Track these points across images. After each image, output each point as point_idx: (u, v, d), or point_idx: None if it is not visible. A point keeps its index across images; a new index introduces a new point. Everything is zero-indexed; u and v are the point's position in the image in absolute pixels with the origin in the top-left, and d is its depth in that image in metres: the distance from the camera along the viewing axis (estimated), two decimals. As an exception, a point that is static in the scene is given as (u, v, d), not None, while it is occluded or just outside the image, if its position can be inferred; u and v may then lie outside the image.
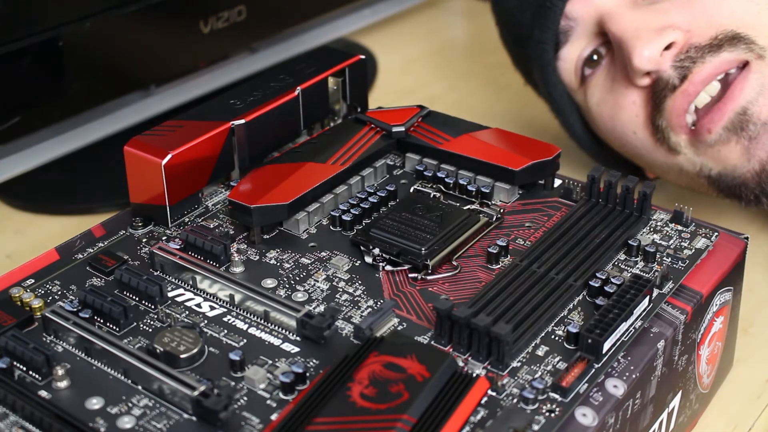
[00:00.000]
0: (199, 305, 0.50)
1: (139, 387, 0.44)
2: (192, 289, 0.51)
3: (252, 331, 0.48)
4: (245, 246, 0.54)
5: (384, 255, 0.52)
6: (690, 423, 0.55)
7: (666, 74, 0.62)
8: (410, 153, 0.60)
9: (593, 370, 0.45)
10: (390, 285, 0.51)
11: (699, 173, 0.64)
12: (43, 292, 0.50)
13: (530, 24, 0.68)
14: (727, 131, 0.61)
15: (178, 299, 0.50)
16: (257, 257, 0.53)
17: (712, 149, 0.62)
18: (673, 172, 0.67)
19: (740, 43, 0.61)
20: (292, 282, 0.51)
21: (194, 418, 0.43)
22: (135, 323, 0.48)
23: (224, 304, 0.49)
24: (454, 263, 0.52)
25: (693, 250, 0.52)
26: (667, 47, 0.62)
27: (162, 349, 0.45)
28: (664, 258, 0.52)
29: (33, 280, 0.51)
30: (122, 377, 0.45)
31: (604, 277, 0.49)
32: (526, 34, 0.70)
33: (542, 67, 0.69)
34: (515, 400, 0.43)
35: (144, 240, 0.54)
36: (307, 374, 0.45)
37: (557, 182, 0.58)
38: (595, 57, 0.67)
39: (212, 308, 0.49)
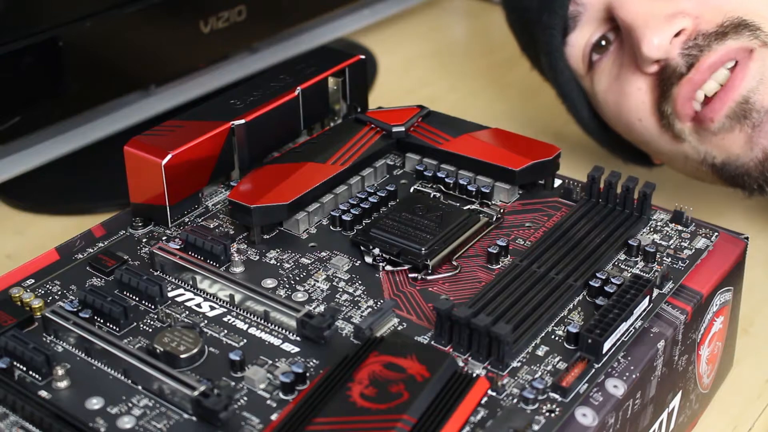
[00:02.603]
0: (199, 305, 0.50)
1: (139, 387, 0.44)
2: (192, 289, 0.51)
3: (252, 331, 0.48)
4: (245, 246, 0.54)
5: (384, 255, 0.52)
6: (690, 423, 0.55)
7: (674, 62, 0.62)
8: (410, 153, 0.60)
9: (593, 370, 0.45)
10: (390, 285, 0.51)
11: (703, 162, 0.64)
12: (43, 292, 0.50)
13: (538, 9, 0.68)
14: (729, 120, 0.61)
15: (178, 299, 0.50)
16: (257, 257, 0.53)
17: (715, 137, 0.62)
18: (677, 160, 0.67)
19: (745, 30, 0.61)
20: (292, 282, 0.51)
21: (194, 418, 0.43)
22: (135, 323, 0.48)
23: (224, 304, 0.49)
24: (454, 263, 0.52)
25: (693, 250, 0.52)
26: (677, 34, 0.62)
27: (162, 349, 0.45)
28: (664, 258, 0.52)
29: (33, 280, 0.51)
30: (122, 377, 0.45)
31: (604, 277, 0.49)
32: (534, 19, 0.70)
33: (550, 52, 0.69)
34: (515, 400, 0.43)
35: (144, 240, 0.54)
36: (307, 374, 0.45)
37: (557, 182, 0.58)
38: (603, 42, 0.67)
39: (212, 308, 0.49)
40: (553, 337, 0.47)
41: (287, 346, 0.47)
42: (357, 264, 0.52)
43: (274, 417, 0.43)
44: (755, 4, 0.61)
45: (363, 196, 0.56)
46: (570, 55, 0.69)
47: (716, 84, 0.62)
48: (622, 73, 0.66)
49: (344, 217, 0.55)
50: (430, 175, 0.58)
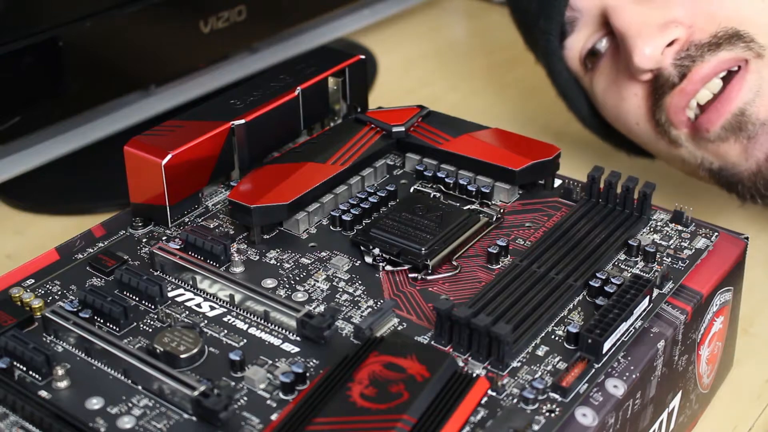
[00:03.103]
0: (199, 305, 0.50)
1: (139, 387, 0.44)
2: (192, 289, 0.51)
3: (252, 331, 0.48)
4: (245, 246, 0.54)
5: (384, 255, 0.52)
6: (690, 423, 0.55)
7: (666, 72, 0.62)
8: (410, 153, 0.60)
9: (593, 370, 0.45)
10: (390, 285, 0.51)
11: (700, 166, 0.65)
12: (43, 292, 0.50)
13: (536, 12, 0.69)
14: (725, 130, 0.61)
15: (178, 299, 0.50)
16: (257, 257, 0.53)
17: (712, 145, 0.62)
18: (676, 162, 0.67)
19: (739, 42, 0.61)
20: (292, 282, 0.51)
21: (194, 418, 0.43)
22: (135, 323, 0.48)
23: (224, 304, 0.49)
24: (454, 263, 0.52)
25: (693, 250, 0.52)
26: (669, 44, 0.62)
27: (162, 349, 0.45)
28: (664, 258, 0.52)
29: (33, 280, 0.51)
30: (122, 377, 0.45)
31: (604, 277, 0.49)
32: (532, 22, 0.70)
33: (547, 55, 0.69)
34: (515, 400, 0.43)
35: (144, 240, 0.54)
36: (307, 374, 0.45)
37: (557, 182, 0.58)
38: (598, 47, 0.67)
39: (212, 308, 0.49)
40: (553, 337, 0.47)
41: (287, 346, 0.47)
42: (357, 264, 0.52)
43: (274, 417, 0.43)
44: (749, 12, 0.61)
45: (363, 196, 0.56)
46: (568, 58, 0.69)
47: (709, 93, 0.62)
48: (619, 77, 0.66)
49: (344, 217, 0.55)
50: (430, 175, 0.58)
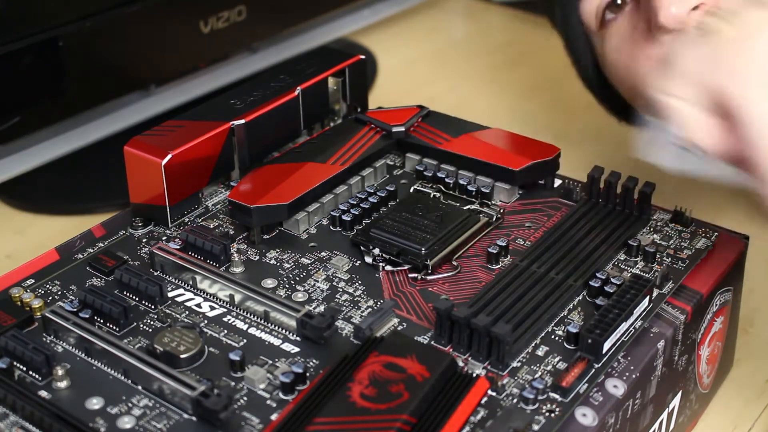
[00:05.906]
0: (199, 305, 0.50)
1: (139, 387, 0.44)
2: (192, 289, 0.51)
3: (252, 331, 0.48)
4: (245, 246, 0.54)
5: (384, 255, 0.52)
6: (690, 423, 0.55)
7: None
8: (410, 153, 0.60)
9: (593, 370, 0.45)
10: (390, 285, 0.51)
11: None
12: (43, 292, 0.50)
13: None
14: None
15: (178, 299, 0.50)
16: (257, 257, 0.53)
17: None
18: None
19: None
20: (292, 282, 0.51)
21: (194, 418, 0.43)
22: (135, 323, 0.48)
23: (224, 304, 0.49)
24: (454, 263, 0.52)
25: (693, 250, 0.52)
26: (695, 8, 0.61)
27: (162, 349, 0.45)
28: (664, 258, 0.52)
29: (33, 280, 0.51)
30: (122, 377, 0.45)
31: (604, 277, 0.49)
32: None
33: (564, 5, 0.69)
34: (515, 400, 0.43)
35: (144, 240, 0.54)
36: (307, 374, 0.45)
37: (557, 182, 0.58)
38: (619, 1, 0.66)
39: (212, 308, 0.49)
40: (553, 337, 0.47)
41: (287, 346, 0.47)
42: (357, 264, 0.52)
43: (274, 417, 0.43)
44: None
45: (363, 196, 0.56)
46: (584, 11, 0.68)
47: None
48: (635, 36, 0.65)
49: (344, 217, 0.55)
50: (430, 175, 0.58)
